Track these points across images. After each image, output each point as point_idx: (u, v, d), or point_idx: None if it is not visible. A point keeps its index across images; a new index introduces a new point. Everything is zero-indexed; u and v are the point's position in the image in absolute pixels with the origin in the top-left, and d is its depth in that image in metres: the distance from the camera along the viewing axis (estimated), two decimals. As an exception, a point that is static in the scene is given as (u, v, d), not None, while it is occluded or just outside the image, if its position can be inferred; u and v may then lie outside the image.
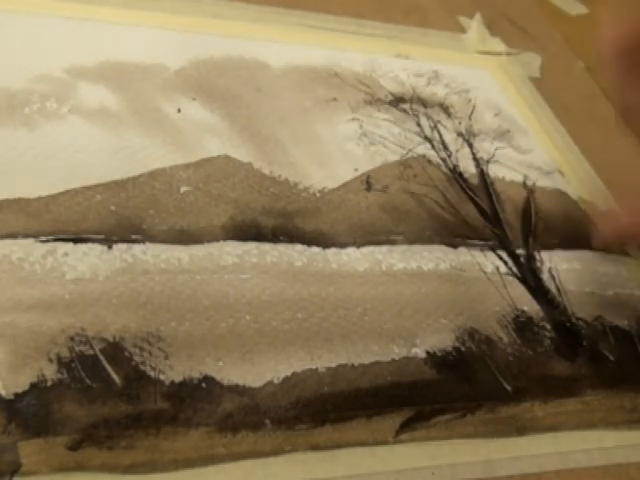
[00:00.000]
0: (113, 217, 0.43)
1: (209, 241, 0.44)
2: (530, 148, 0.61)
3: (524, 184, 0.58)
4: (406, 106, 0.58)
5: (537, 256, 0.53)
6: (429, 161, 0.55)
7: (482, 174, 0.56)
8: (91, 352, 0.37)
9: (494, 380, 0.46)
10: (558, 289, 0.52)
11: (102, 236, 0.42)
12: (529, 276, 0.52)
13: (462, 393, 0.44)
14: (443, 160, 0.56)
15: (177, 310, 0.41)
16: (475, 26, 0.69)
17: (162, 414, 0.37)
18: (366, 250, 0.48)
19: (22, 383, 0.35)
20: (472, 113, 0.61)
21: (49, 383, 0.36)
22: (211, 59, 0.55)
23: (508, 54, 0.69)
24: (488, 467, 0.43)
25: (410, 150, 0.55)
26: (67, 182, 0.43)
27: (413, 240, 0.50)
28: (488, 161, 0.58)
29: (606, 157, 0.64)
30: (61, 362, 0.36)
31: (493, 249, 0.52)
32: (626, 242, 0.57)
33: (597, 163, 0.63)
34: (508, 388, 0.46)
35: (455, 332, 0.46)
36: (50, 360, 0.36)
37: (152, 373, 0.38)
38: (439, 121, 0.59)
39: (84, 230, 0.42)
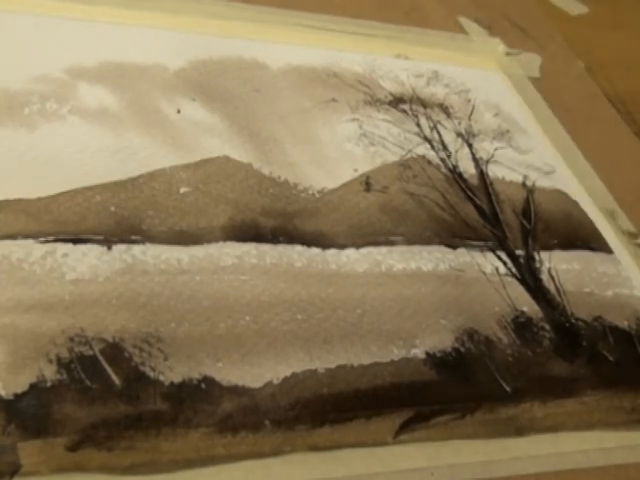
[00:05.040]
0: (113, 218, 0.43)
1: (209, 242, 0.44)
2: (530, 148, 0.61)
3: (524, 184, 0.58)
4: (406, 106, 0.58)
5: (536, 256, 0.53)
6: (428, 162, 0.55)
7: (482, 174, 0.56)
8: (90, 353, 0.37)
9: (493, 381, 0.46)
10: (557, 289, 0.52)
11: (102, 237, 0.42)
12: (528, 276, 0.52)
13: (461, 394, 0.44)
14: (442, 160, 0.56)
15: (177, 311, 0.41)
16: (475, 26, 0.69)
17: (162, 415, 0.37)
18: (365, 251, 0.48)
19: (22, 384, 0.35)
20: (472, 113, 0.61)
21: (49, 384, 0.36)
22: (210, 60, 0.55)
23: (508, 54, 0.69)
24: (487, 468, 0.43)
25: (409, 151, 0.55)
26: (67, 183, 0.43)
27: (412, 241, 0.50)
28: (488, 161, 0.58)
29: (606, 157, 0.64)
30: (61, 363, 0.36)
31: (492, 250, 0.52)
32: None
33: (597, 163, 0.63)
34: (507, 389, 0.46)
35: (454, 333, 0.46)
36: (50, 361, 0.36)
37: (152, 374, 0.38)
38: (439, 121, 0.59)
39: (84, 231, 0.42)
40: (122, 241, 0.42)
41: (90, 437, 0.35)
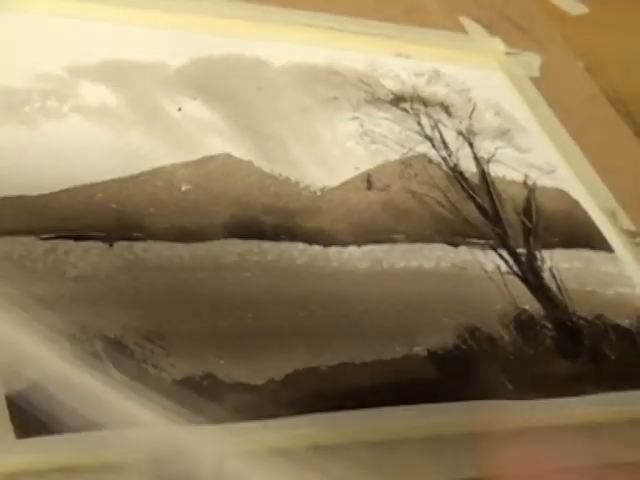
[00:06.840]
0: (114, 215, 0.43)
1: (210, 239, 0.44)
2: (530, 147, 0.61)
3: (525, 183, 0.58)
4: (406, 105, 0.58)
5: (538, 255, 0.53)
6: (430, 160, 0.55)
7: (483, 173, 0.56)
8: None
9: (495, 378, 0.45)
10: (559, 288, 0.52)
11: (103, 234, 0.42)
12: (530, 275, 0.52)
13: (463, 391, 0.44)
14: (444, 159, 0.56)
15: (178, 308, 0.40)
16: (475, 26, 0.69)
17: (164, 412, 0.37)
18: (367, 248, 0.48)
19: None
20: (472, 112, 0.61)
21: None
22: (212, 58, 0.55)
23: (508, 54, 0.69)
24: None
25: (411, 149, 0.55)
26: (68, 180, 0.43)
27: (414, 239, 0.50)
28: (489, 160, 0.57)
29: (606, 157, 0.64)
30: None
31: (494, 248, 0.52)
32: None
33: (597, 163, 0.63)
34: (509, 387, 0.45)
35: (456, 330, 0.46)
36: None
37: (153, 371, 0.38)
38: (439, 120, 0.59)
39: (85, 228, 0.42)
40: (123, 238, 0.42)
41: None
